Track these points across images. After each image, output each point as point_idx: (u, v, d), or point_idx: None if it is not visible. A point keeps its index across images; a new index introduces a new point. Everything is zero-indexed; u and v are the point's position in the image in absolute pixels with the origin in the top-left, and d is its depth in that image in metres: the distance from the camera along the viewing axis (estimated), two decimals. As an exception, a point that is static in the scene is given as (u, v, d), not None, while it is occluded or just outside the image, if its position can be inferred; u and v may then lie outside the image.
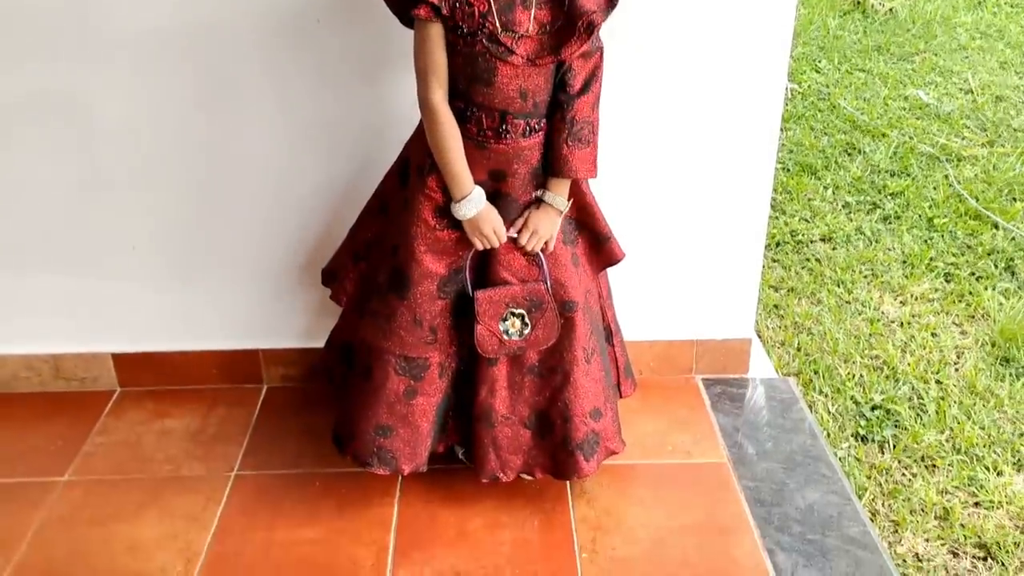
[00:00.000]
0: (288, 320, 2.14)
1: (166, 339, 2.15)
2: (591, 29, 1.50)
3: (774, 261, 2.93)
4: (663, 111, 1.96)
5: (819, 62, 4.40)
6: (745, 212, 2.08)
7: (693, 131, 1.99)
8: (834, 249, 3.01)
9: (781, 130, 2.03)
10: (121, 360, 2.17)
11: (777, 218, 3.15)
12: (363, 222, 1.81)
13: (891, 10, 4.91)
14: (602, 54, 1.60)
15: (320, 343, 2.09)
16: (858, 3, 4.99)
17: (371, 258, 1.77)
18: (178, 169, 1.97)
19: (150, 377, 2.18)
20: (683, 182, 2.04)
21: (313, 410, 2.10)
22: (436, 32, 1.52)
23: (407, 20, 1.54)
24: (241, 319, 2.14)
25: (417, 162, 1.64)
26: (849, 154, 3.60)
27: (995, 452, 2.10)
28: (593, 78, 1.59)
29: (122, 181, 1.98)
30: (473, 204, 1.58)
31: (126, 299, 2.10)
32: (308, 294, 2.10)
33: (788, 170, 3.47)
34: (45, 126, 1.91)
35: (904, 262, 2.91)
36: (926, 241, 3.01)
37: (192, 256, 2.07)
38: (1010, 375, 2.37)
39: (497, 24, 1.50)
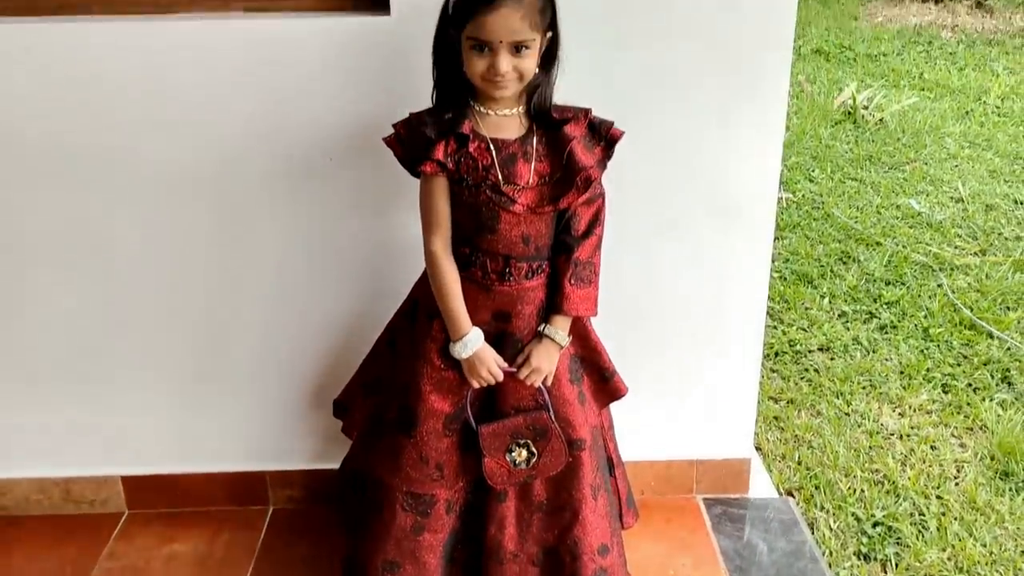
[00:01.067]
0: (294, 442, 2.19)
1: (174, 461, 2.20)
2: (589, 183, 1.61)
3: (773, 371, 2.98)
4: (656, 222, 2.05)
5: (812, 171, 4.54)
6: (742, 325, 2.14)
7: (688, 241, 2.07)
8: (832, 359, 3.06)
9: (776, 239, 2.11)
10: (130, 482, 2.21)
11: (775, 327, 3.22)
12: (374, 355, 1.88)
13: (881, 120, 5.07)
14: (604, 200, 1.70)
15: (326, 465, 2.13)
16: (849, 113, 5.16)
17: (380, 393, 1.83)
18: (191, 295, 2.05)
19: (158, 499, 2.21)
20: (678, 294, 2.11)
21: (317, 534, 2.12)
22: (440, 185, 1.63)
23: (415, 172, 1.64)
24: (248, 441, 2.19)
25: (425, 304, 1.72)
26: (844, 263, 3.69)
27: (997, 571, 2.11)
28: (596, 222, 1.69)
29: (137, 306, 2.06)
30: (470, 345, 1.65)
31: (137, 421, 2.16)
32: (314, 417, 2.15)
33: (785, 279, 3.55)
34: (67, 252, 2.01)
35: (902, 372, 2.95)
36: (923, 351, 3.06)
37: (202, 379, 2.13)
38: (1010, 490, 2.39)
39: (500, 176, 1.60)
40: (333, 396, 1.98)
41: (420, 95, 1.70)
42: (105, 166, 1.93)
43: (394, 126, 1.65)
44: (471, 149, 1.59)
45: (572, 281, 1.67)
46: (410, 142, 1.63)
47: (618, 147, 1.68)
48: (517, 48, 1.54)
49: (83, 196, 1.96)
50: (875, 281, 3.53)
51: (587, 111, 1.67)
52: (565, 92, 1.66)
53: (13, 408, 2.14)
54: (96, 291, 2.04)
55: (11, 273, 2.02)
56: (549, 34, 1.61)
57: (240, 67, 1.85)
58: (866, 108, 5.16)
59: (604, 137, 1.66)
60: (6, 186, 1.94)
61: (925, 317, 3.26)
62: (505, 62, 1.53)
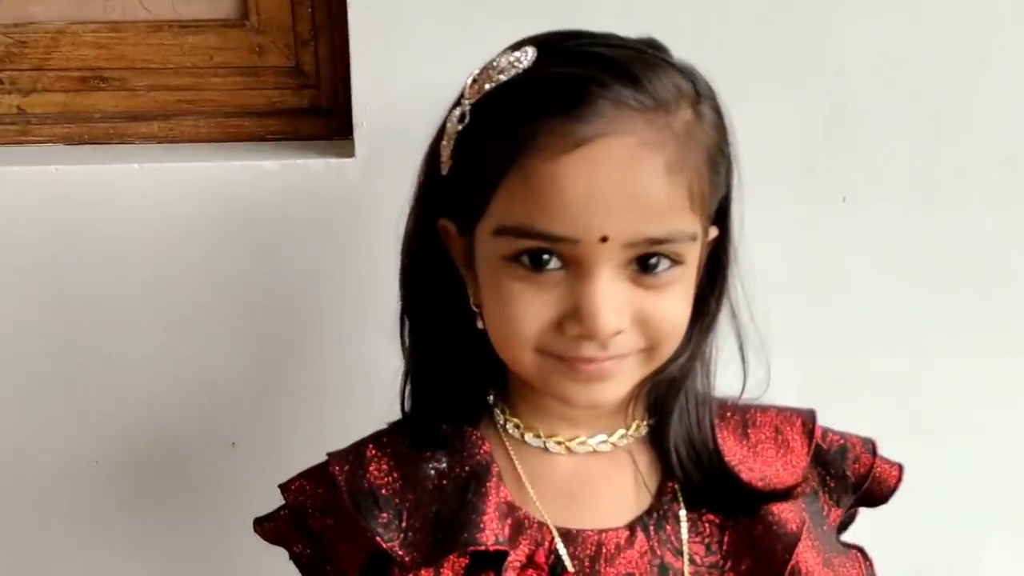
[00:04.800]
0: None
1: None
2: None
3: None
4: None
5: None
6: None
7: None
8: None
9: None
10: None
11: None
12: None
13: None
14: None
15: None
16: None
17: None
18: None
19: None
20: None
21: None
22: None
23: None
24: None
25: None
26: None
27: None
28: None
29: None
30: None
31: None
32: None
33: None
34: None
35: None
36: None
37: None
38: None
39: None
40: None
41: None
42: None
43: (285, 491, 0.69)
44: (511, 570, 0.60)
45: None
46: (328, 530, 0.68)
47: (849, 407, 0.73)
48: (644, 262, 0.58)
49: None
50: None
51: (807, 420, 0.69)
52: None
53: None
54: None
55: None
56: (713, 230, 0.64)
57: (47, 254, 0.89)
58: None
59: (855, 487, 0.69)
60: None
61: None
62: (617, 288, 0.57)
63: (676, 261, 0.58)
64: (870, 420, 0.76)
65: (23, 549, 0.99)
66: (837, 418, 0.75)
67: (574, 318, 0.56)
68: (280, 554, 0.77)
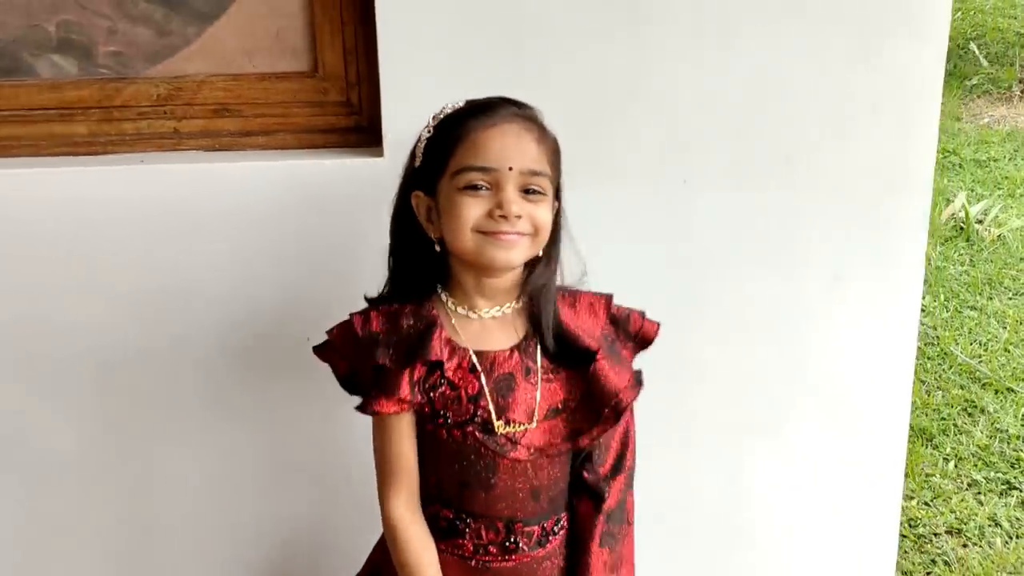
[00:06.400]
0: None
1: None
2: (620, 412, 1.15)
3: (891, 564, 2.38)
4: (744, 422, 1.56)
5: (922, 298, 3.94)
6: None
7: (790, 446, 1.58)
8: (965, 547, 2.44)
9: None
10: None
11: (890, 502, 2.61)
12: None
13: (1000, 237, 4.45)
14: (632, 413, 1.23)
15: None
16: (960, 228, 4.56)
17: None
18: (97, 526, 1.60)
19: None
20: (774, 520, 1.60)
21: None
22: (404, 424, 1.16)
23: (365, 407, 1.16)
24: None
25: None
26: (970, 414, 3.07)
27: None
28: (626, 448, 1.22)
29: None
30: None
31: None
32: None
33: (898, 435, 2.95)
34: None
35: (1060, 571, 2.32)
36: (1083, 540, 2.43)
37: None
38: None
39: (492, 410, 1.13)
40: None
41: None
42: (13, 344, 1.52)
43: (329, 334, 1.20)
44: (449, 371, 1.14)
45: (603, 543, 1.19)
46: (354, 355, 1.18)
47: (690, 324, 1.23)
48: (528, 191, 1.13)
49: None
50: (1010, 439, 2.90)
51: (607, 300, 1.22)
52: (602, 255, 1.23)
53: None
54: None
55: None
56: (556, 203, 1.19)
57: (192, 221, 1.45)
58: (980, 223, 4.55)
59: (634, 337, 1.22)
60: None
61: (1082, 492, 2.62)
62: (517, 200, 1.11)
63: (542, 192, 1.13)
64: (706, 335, 1.29)
65: (157, 426, 1.55)
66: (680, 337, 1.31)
67: (498, 208, 1.10)
68: (340, 426, 1.35)
